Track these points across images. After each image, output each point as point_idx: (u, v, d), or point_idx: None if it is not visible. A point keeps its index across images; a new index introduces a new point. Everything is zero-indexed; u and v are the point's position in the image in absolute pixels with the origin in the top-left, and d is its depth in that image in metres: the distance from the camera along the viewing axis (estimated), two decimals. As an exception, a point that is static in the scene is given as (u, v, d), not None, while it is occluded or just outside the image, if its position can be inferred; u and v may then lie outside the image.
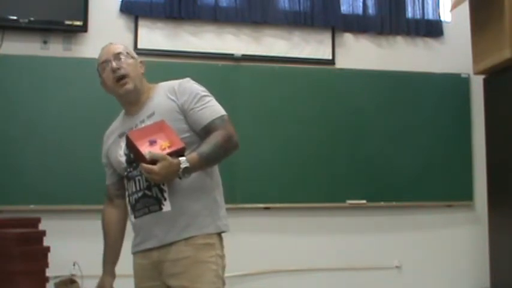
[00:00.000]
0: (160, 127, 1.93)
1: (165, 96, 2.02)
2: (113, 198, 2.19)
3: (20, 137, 3.88)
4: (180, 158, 1.85)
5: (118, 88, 2.02)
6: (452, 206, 4.55)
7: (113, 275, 2.17)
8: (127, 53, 2.06)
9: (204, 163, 1.91)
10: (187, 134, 1.98)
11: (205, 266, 1.94)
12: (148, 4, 4.20)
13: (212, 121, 1.97)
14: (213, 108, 2.00)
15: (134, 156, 1.95)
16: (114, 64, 2.01)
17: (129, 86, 2.02)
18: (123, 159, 2.04)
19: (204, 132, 1.98)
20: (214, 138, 1.93)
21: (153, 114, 2.01)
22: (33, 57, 3.98)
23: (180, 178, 1.88)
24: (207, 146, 1.92)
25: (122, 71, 2.01)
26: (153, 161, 1.81)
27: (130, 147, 1.92)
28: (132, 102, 2.07)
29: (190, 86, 2.03)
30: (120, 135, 2.08)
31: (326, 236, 4.36)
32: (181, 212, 1.95)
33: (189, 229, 1.95)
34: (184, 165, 1.84)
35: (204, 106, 1.99)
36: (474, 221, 4.57)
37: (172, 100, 2.00)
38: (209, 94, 2.05)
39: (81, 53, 4.11)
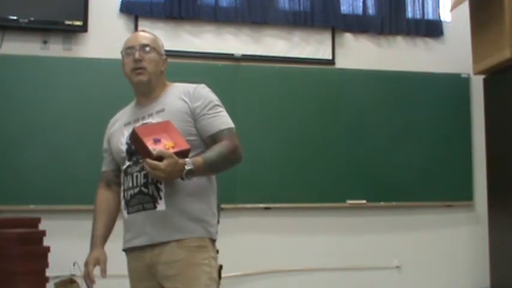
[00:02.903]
0: (165, 127, 1.93)
1: (178, 96, 2.04)
2: (111, 184, 2.17)
3: (19, 137, 3.88)
4: (186, 159, 1.86)
5: (132, 75, 2.05)
6: (452, 206, 4.55)
7: (103, 248, 2.10)
8: (153, 47, 2.08)
9: (207, 169, 1.93)
10: (193, 138, 1.99)
11: (199, 268, 1.95)
12: (148, 4, 4.20)
13: (220, 131, 1.99)
14: (223, 119, 2.02)
15: (138, 151, 1.94)
16: (137, 55, 2.03)
17: (143, 77, 2.04)
18: (124, 147, 2.04)
19: (211, 140, 1.99)
20: (220, 147, 1.95)
21: (162, 110, 2.02)
22: (33, 57, 3.98)
23: (182, 179, 1.89)
24: (213, 153, 1.93)
25: (143, 64, 2.04)
26: (159, 158, 1.81)
27: (135, 141, 1.91)
28: (145, 93, 2.09)
29: (205, 93, 2.05)
30: (126, 124, 2.08)
31: (326, 236, 4.36)
32: (175, 213, 1.95)
33: (182, 231, 1.95)
34: (189, 167, 1.86)
35: (215, 115, 2.01)
36: (474, 221, 4.57)
37: (185, 102, 2.01)
38: (221, 104, 2.07)
39: (81, 53, 4.12)
